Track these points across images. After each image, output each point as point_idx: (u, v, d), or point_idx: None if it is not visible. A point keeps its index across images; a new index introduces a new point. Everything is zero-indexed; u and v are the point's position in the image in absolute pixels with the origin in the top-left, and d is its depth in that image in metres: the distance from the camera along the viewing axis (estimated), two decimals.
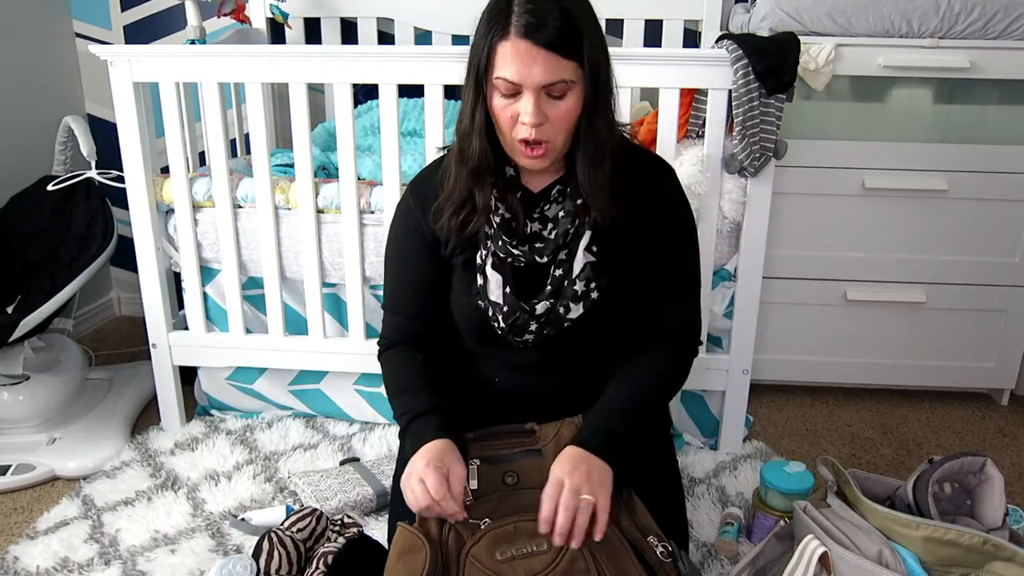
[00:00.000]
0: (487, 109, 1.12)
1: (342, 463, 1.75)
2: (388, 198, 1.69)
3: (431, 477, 1.06)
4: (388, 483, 1.63)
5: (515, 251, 1.20)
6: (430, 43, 2.32)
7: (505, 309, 1.20)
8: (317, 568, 1.33)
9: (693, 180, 1.61)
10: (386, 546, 1.33)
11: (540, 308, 1.20)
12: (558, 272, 1.20)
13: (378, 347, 1.33)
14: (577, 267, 1.19)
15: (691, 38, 2.29)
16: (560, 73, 1.06)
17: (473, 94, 1.12)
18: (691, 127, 1.79)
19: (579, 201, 1.18)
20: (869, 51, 1.82)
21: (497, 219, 1.20)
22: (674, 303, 1.25)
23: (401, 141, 1.75)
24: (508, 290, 1.20)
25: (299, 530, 1.43)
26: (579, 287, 1.19)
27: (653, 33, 2.27)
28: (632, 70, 1.59)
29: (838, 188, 1.94)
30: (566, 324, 1.21)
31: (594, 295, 1.20)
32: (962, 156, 1.91)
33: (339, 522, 1.47)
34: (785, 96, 1.59)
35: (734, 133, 1.60)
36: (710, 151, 1.64)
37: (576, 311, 1.20)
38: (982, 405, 2.14)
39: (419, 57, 1.63)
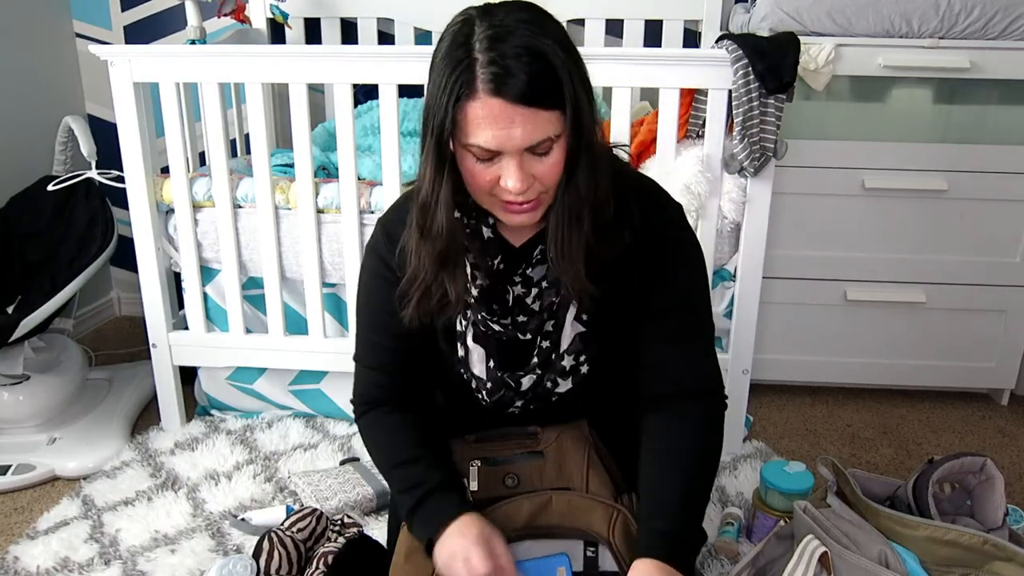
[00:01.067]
0: (454, 176, 0.97)
1: (342, 463, 1.75)
2: (388, 198, 1.69)
3: (476, 553, 0.97)
4: None
5: (496, 326, 1.09)
6: (430, 43, 2.32)
7: (489, 385, 1.13)
8: (317, 568, 1.33)
9: (693, 180, 1.61)
10: (386, 546, 1.33)
11: (526, 383, 1.12)
12: (545, 344, 1.10)
13: (353, 406, 1.19)
14: (565, 341, 1.09)
15: (691, 38, 2.29)
16: (543, 130, 0.91)
17: (435, 159, 0.95)
18: (691, 127, 1.79)
19: None
20: (869, 51, 1.82)
21: (476, 290, 1.07)
22: (687, 357, 1.09)
23: (401, 141, 1.75)
24: (492, 364, 1.11)
25: (299, 530, 1.43)
26: (567, 362, 1.10)
27: (653, 33, 2.27)
28: (632, 70, 1.59)
29: (838, 188, 1.94)
30: (554, 399, 1.14)
31: (584, 369, 1.11)
32: (962, 156, 1.91)
33: (339, 522, 1.47)
34: (785, 96, 1.59)
35: (734, 133, 1.60)
36: (710, 151, 1.64)
37: (564, 386, 1.12)
38: (982, 405, 2.14)
39: (418, 57, 1.62)
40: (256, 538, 1.43)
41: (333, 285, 1.85)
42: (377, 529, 1.55)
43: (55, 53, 2.41)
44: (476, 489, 1.14)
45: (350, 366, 1.82)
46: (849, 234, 1.98)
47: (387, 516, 1.41)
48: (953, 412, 2.10)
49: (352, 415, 1.91)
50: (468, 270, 1.06)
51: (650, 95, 2.15)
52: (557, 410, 1.16)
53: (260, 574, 1.36)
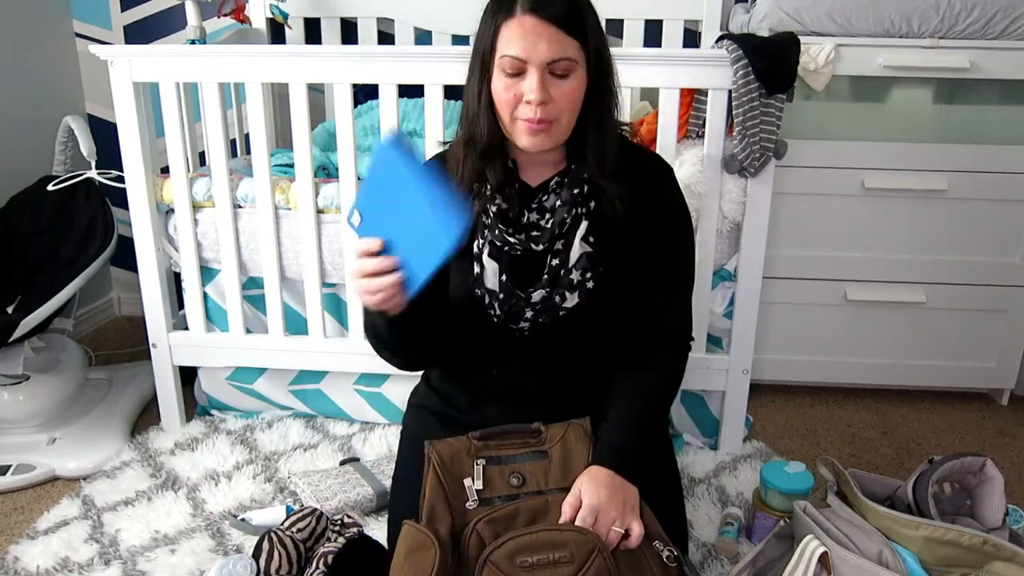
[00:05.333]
0: (491, 96, 1.15)
1: (342, 463, 1.75)
2: None
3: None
4: (388, 483, 1.63)
5: (511, 239, 1.21)
6: (430, 43, 2.32)
7: (501, 296, 1.21)
8: (317, 568, 1.33)
9: (693, 180, 1.61)
10: (386, 546, 1.33)
11: (536, 296, 1.21)
12: (555, 261, 1.21)
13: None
14: (574, 256, 1.20)
15: (691, 38, 2.29)
16: (565, 50, 1.09)
17: (479, 76, 1.15)
18: (691, 127, 1.79)
19: (576, 191, 1.20)
20: (869, 51, 1.82)
21: (494, 208, 1.21)
22: (668, 303, 1.26)
23: None
24: (504, 278, 1.21)
25: (299, 530, 1.43)
26: (575, 276, 1.20)
27: (653, 33, 2.27)
28: (632, 70, 1.58)
29: (838, 188, 1.94)
30: (562, 313, 1.21)
31: (590, 285, 1.20)
32: (962, 156, 1.91)
33: (339, 522, 1.47)
34: (785, 96, 1.59)
35: (734, 133, 1.60)
36: (710, 151, 1.64)
37: (572, 300, 1.20)
38: (982, 405, 2.14)
39: (419, 57, 1.63)
40: (256, 538, 1.43)
41: (333, 285, 1.85)
42: (377, 529, 1.55)
43: (55, 53, 2.41)
44: (481, 488, 1.14)
45: (350, 366, 1.85)
46: (849, 234, 1.98)
47: (387, 516, 1.41)
48: (953, 412, 2.10)
49: (352, 414, 1.94)
50: (488, 192, 1.20)
51: (650, 95, 2.15)
52: (565, 328, 1.23)
53: (260, 574, 1.36)
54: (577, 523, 1.07)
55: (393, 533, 1.22)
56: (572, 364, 1.26)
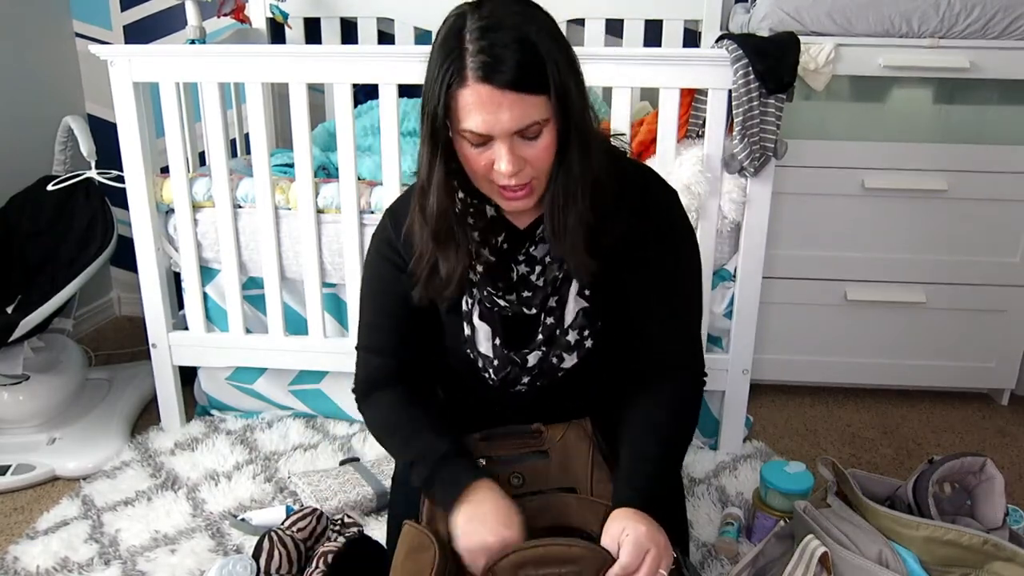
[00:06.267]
0: (447, 161, 1.02)
1: (342, 463, 1.75)
2: (388, 198, 1.69)
3: (492, 528, 1.01)
4: (388, 483, 1.63)
5: (501, 302, 1.12)
6: (430, 43, 2.31)
7: (496, 363, 1.14)
8: (317, 568, 1.33)
9: (693, 180, 1.61)
10: (386, 546, 1.33)
11: (532, 359, 1.14)
12: (549, 320, 1.12)
13: (354, 394, 1.22)
14: (569, 316, 1.11)
15: (691, 38, 2.29)
16: (530, 115, 0.96)
17: (430, 144, 1.01)
18: (691, 127, 1.79)
19: None
20: (869, 51, 1.82)
21: (480, 267, 1.10)
22: (671, 335, 1.14)
23: (401, 141, 1.75)
24: (498, 342, 1.13)
25: (299, 530, 1.43)
26: (572, 337, 1.12)
27: (653, 33, 2.27)
28: (632, 70, 1.59)
29: (838, 188, 1.94)
30: (560, 374, 1.15)
31: (588, 343, 1.12)
32: (962, 156, 1.91)
33: (339, 522, 1.47)
34: (785, 96, 1.59)
35: (734, 133, 1.60)
36: (710, 151, 1.64)
37: (570, 360, 1.13)
38: (982, 405, 2.14)
39: (418, 57, 1.61)
40: (256, 538, 1.43)
41: (333, 285, 1.85)
42: (377, 529, 1.55)
43: (55, 53, 2.41)
44: None
45: (350, 366, 1.82)
46: (849, 234, 1.98)
47: (387, 516, 1.41)
48: (953, 412, 2.10)
49: (352, 414, 1.94)
50: (473, 248, 1.09)
51: (650, 95, 2.15)
52: (564, 386, 1.17)
53: (260, 574, 1.36)
54: (624, 555, 0.98)
55: (393, 533, 1.22)
56: (574, 400, 1.20)
